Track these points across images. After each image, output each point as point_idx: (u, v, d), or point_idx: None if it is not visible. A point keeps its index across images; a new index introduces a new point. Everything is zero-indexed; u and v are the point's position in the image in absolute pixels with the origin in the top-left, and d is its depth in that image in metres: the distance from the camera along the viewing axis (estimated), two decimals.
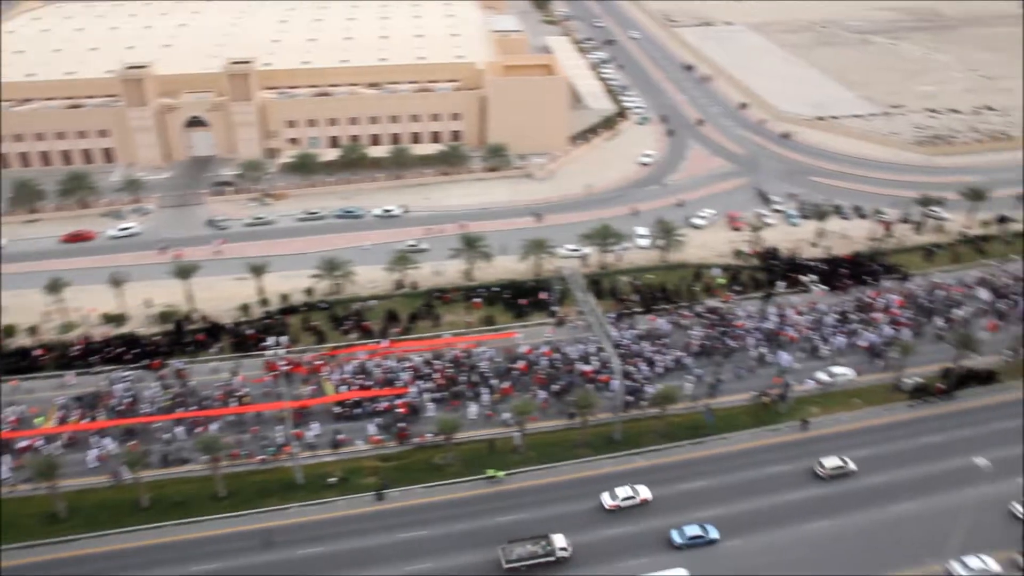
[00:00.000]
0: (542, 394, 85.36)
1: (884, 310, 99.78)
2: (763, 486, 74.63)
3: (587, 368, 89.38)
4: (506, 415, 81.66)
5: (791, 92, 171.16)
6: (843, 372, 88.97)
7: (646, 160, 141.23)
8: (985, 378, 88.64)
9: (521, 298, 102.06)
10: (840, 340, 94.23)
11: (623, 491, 72.74)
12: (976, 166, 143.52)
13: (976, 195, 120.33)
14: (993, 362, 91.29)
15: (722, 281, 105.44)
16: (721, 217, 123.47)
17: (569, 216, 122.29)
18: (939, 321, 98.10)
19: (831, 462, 76.10)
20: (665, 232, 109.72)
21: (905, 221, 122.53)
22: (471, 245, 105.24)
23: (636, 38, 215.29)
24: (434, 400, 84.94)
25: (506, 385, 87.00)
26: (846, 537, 69.22)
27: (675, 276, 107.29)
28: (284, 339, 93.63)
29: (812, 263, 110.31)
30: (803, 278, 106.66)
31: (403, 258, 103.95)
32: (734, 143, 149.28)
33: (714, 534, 68.53)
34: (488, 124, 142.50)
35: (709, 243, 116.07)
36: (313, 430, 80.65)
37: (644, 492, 72.74)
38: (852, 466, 76.11)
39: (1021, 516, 70.91)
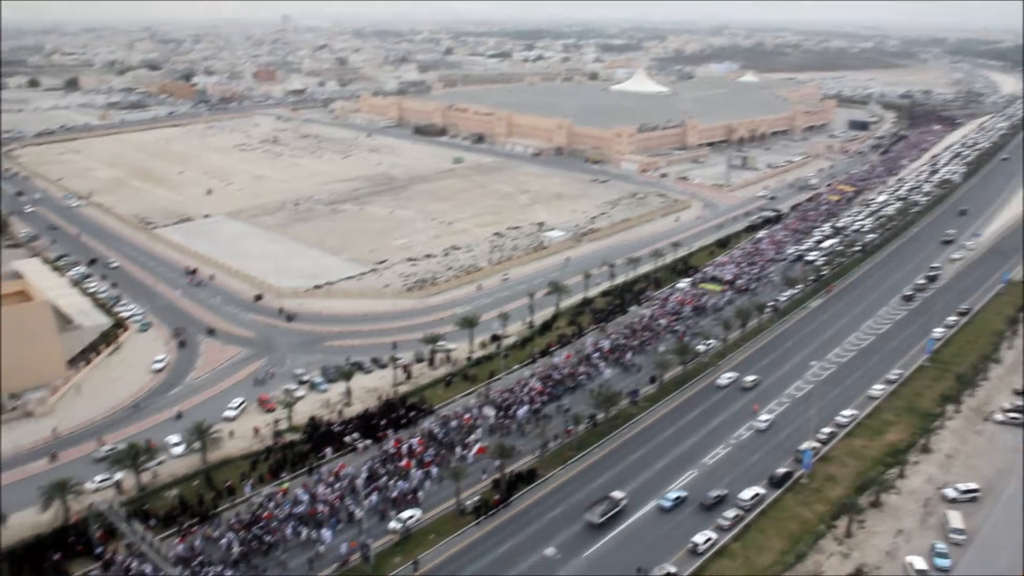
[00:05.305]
0: None
1: (410, 454, 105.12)
2: None
3: None
4: None
5: (285, 269, 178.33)
6: (411, 514, 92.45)
7: (158, 366, 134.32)
8: (529, 477, 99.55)
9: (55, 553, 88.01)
10: (374, 499, 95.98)
11: None
12: (460, 298, 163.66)
13: (469, 323, 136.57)
14: (530, 460, 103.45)
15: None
16: (252, 402, 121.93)
17: (90, 445, 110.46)
18: (459, 450, 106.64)
19: None
20: (199, 433, 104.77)
21: (419, 360, 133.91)
22: None
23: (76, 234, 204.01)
24: None
25: None
26: None
27: (220, 477, 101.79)
28: None
29: (351, 421, 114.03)
30: (347, 439, 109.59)
31: None
32: (245, 329, 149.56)
33: None
34: None
35: (247, 432, 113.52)
36: None
37: None
38: None
39: None
